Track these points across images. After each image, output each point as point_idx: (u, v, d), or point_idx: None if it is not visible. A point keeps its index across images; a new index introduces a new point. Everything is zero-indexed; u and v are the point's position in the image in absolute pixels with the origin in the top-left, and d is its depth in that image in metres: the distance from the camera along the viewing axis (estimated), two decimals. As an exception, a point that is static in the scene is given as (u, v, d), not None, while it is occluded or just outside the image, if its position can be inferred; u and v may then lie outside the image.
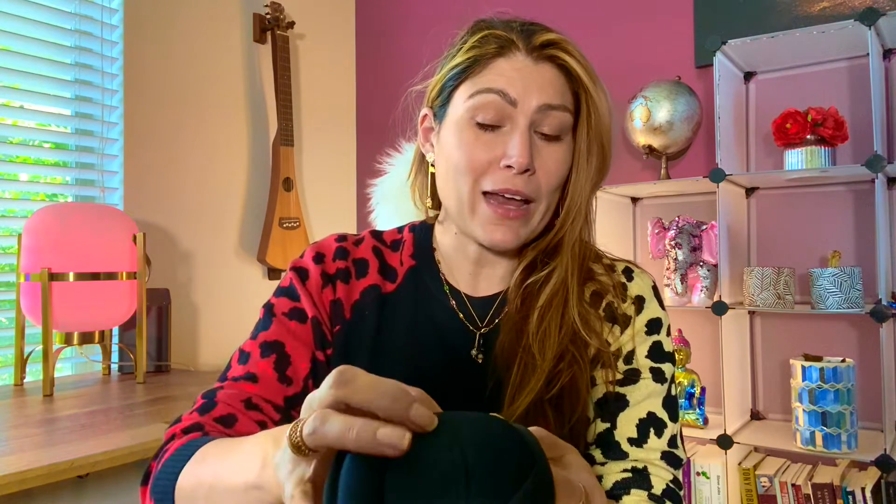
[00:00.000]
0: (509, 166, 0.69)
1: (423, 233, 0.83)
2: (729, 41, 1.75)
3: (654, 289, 0.80)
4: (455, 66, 0.73)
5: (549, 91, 0.71)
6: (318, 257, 0.79)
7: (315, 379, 0.75)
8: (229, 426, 0.67)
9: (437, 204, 0.81)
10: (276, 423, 0.70)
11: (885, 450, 1.51)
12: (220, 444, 0.58)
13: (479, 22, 0.76)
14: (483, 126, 0.71)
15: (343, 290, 0.78)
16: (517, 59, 0.71)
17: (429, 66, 0.81)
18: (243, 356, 0.74)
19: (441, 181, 0.75)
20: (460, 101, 0.72)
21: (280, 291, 0.78)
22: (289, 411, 0.72)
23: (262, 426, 0.68)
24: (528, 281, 0.75)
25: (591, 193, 0.75)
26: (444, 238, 0.80)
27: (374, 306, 0.77)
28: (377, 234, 0.84)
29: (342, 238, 0.81)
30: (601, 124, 0.73)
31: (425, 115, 0.79)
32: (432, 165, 0.78)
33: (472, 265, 0.79)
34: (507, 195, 0.70)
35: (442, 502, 0.39)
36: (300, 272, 0.78)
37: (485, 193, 0.71)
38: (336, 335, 0.77)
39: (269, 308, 0.77)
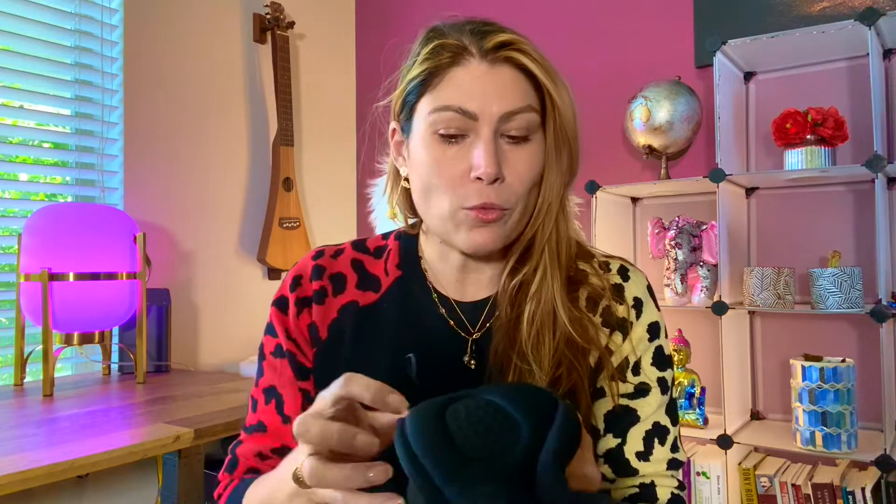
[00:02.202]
0: (479, 178, 0.68)
1: (409, 241, 0.82)
2: (729, 41, 1.75)
3: (649, 288, 0.80)
4: (412, 80, 0.72)
5: (509, 97, 0.69)
6: (295, 282, 0.79)
7: (304, 409, 0.75)
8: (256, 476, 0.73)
9: (416, 214, 0.81)
10: None
11: (885, 450, 1.51)
12: (258, 484, 0.68)
13: (430, 30, 0.74)
14: (447, 140, 0.70)
15: (319, 311, 0.77)
16: (472, 67, 0.69)
17: (390, 81, 0.79)
18: (254, 404, 0.79)
19: (417, 197, 0.74)
20: (422, 116, 0.71)
21: (266, 329, 0.81)
22: None
23: None
24: (512, 284, 0.74)
25: (562, 191, 0.74)
26: (428, 248, 0.80)
27: (352, 321, 0.77)
28: (359, 244, 0.83)
29: (319, 254, 0.80)
30: (565, 121, 0.72)
31: (394, 129, 0.78)
32: (406, 180, 0.77)
33: (457, 272, 0.78)
34: (483, 207, 0.69)
35: (496, 435, 0.48)
36: (280, 304, 0.79)
37: (462, 208, 0.70)
38: (315, 358, 0.78)
39: (260, 350, 0.81)
